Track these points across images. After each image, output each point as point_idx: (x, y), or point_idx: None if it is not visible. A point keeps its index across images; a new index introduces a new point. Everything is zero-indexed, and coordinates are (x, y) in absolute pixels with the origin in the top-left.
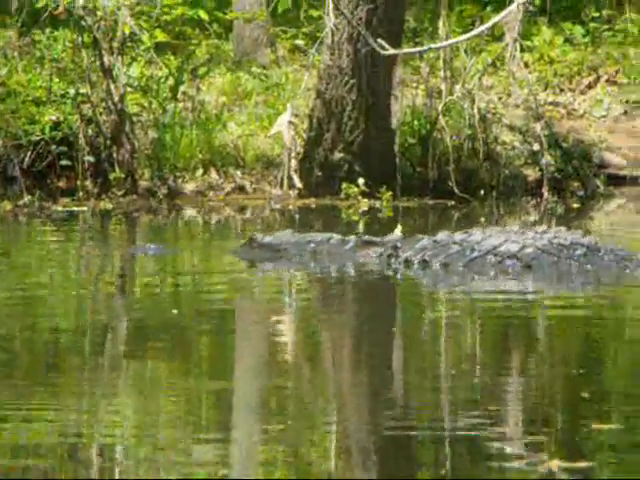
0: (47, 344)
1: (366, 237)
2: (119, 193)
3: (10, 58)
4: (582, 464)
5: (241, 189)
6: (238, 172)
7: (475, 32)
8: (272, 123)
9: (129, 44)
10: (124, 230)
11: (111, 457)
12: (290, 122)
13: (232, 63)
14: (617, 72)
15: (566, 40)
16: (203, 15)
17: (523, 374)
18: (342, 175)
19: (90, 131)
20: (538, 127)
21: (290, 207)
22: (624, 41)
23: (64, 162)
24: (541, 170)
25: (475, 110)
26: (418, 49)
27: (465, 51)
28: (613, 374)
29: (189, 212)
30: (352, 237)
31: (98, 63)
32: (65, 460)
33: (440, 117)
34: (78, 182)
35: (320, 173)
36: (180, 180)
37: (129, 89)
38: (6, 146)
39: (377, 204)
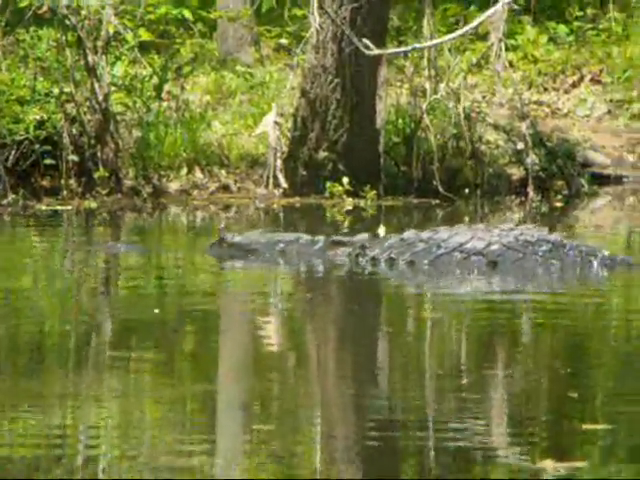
0: None
1: (335, 237)
2: (103, 192)
3: None
4: (573, 464)
5: (225, 188)
6: (223, 171)
7: (460, 32)
8: (256, 122)
9: (113, 43)
10: (104, 229)
11: (94, 459)
12: (275, 122)
13: (216, 62)
14: (601, 71)
15: (550, 39)
16: (187, 14)
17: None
18: (326, 174)
19: (74, 130)
20: (523, 126)
21: (275, 206)
22: (608, 40)
23: (48, 161)
24: (526, 169)
25: (460, 109)
26: (403, 49)
27: (449, 50)
28: (594, 371)
29: (173, 210)
30: (321, 237)
31: (82, 62)
32: (49, 461)
33: (424, 116)
34: (62, 181)
35: (304, 172)
36: (164, 179)
37: (113, 88)
38: None
39: (361, 203)
